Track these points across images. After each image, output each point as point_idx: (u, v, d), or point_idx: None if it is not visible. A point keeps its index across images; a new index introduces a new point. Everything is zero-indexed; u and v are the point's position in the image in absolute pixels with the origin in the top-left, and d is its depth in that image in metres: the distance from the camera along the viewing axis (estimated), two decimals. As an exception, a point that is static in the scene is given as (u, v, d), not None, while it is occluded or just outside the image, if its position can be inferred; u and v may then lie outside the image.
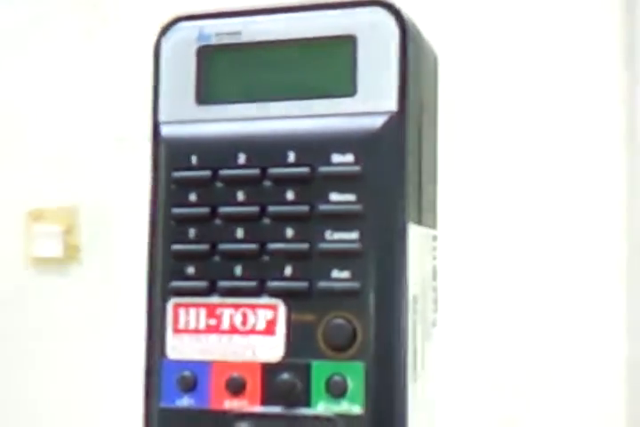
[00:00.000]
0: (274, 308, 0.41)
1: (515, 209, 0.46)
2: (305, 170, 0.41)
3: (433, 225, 0.45)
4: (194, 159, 0.42)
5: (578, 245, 0.45)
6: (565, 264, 0.45)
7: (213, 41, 0.44)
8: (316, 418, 0.40)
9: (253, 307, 0.41)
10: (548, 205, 0.46)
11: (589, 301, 0.45)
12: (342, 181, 0.40)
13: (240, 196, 0.42)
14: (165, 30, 0.45)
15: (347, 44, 0.41)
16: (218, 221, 0.42)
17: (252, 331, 0.41)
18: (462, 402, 0.46)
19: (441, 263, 0.46)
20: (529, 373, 0.45)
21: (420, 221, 0.42)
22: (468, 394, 0.46)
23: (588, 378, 0.45)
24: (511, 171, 0.46)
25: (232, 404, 0.41)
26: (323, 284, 0.40)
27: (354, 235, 0.40)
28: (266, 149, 0.42)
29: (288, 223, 0.41)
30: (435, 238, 0.46)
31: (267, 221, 0.41)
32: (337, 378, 0.40)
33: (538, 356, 0.45)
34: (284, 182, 0.41)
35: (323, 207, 0.40)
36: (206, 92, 0.43)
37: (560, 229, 0.46)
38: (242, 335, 0.41)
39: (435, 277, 0.45)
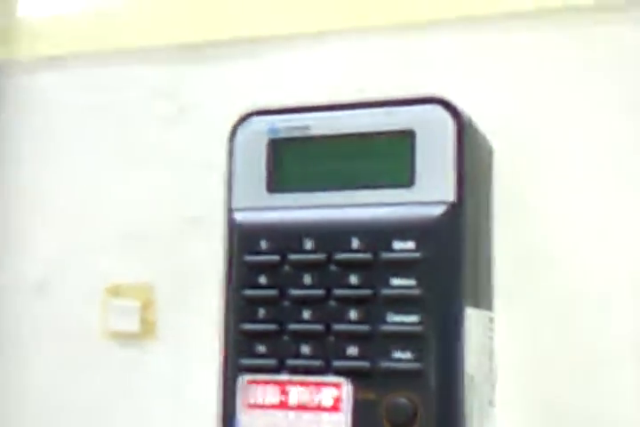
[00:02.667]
0: (339, 386, 0.43)
1: (569, 290, 0.48)
2: (368, 255, 0.44)
3: (489, 307, 0.47)
4: (264, 244, 0.45)
5: (629, 327, 0.47)
6: (618, 347, 0.47)
7: (283, 134, 0.47)
8: None
9: (319, 385, 0.44)
10: (602, 286, 0.48)
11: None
12: (403, 267, 0.43)
13: (307, 279, 0.44)
14: (239, 123, 0.48)
15: (406, 138, 0.44)
16: (286, 303, 0.45)
17: (319, 407, 0.43)
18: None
19: (498, 344, 0.48)
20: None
21: (476, 305, 0.45)
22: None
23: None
24: (564, 256, 0.48)
25: (299, 477, 0.43)
26: (384, 364, 0.42)
27: (414, 318, 0.42)
28: (331, 236, 0.44)
29: (352, 306, 0.43)
30: (491, 320, 0.48)
31: (332, 303, 0.44)
32: (399, 454, 0.42)
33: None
34: (348, 267, 0.44)
35: (384, 291, 0.43)
36: (276, 182, 0.47)
37: (615, 309, 0.47)
38: (309, 412, 0.44)
39: (491, 358, 0.47)
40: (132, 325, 0.56)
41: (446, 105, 0.44)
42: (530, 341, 0.49)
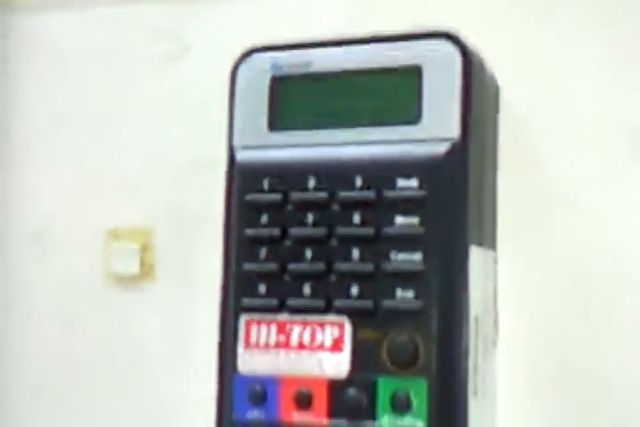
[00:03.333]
0: (340, 325, 0.43)
1: (577, 232, 0.47)
2: (371, 194, 0.43)
3: (493, 247, 0.47)
4: (265, 183, 0.45)
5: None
6: (625, 291, 0.46)
7: (285, 71, 0.46)
8: (380, 432, 0.41)
9: (321, 324, 0.43)
10: (609, 230, 0.47)
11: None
12: (407, 205, 0.42)
13: (309, 218, 0.44)
14: (241, 61, 0.47)
15: (412, 74, 0.43)
16: (288, 242, 0.44)
17: (320, 347, 0.43)
18: (523, 420, 0.47)
19: (501, 285, 0.47)
20: (590, 390, 0.46)
21: (481, 244, 0.44)
22: (528, 413, 0.47)
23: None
24: (572, 195, 0.48)
25: (299, 417, 0.43)
26: (387, 303, 0.42)
27: (417, 256, 0.42)
28: (334, 174, 0.44)
29: (354, 245, 0.43)
30: (495, 260, 0.47)
31: (334, 242, 0.43)
32: (401, 394, 0.41)
33: (599, 373, 0.46)
34: (351, 206, 0.43)
35: (388, 230, 0.42)
36: (278, 120, 0.46)
37: (622, 255, 0.47)
38: (310, 351, 0.43)
39: (495, 298, 0.47)
40: (132, 267, 0.56)
41: (454, 40, 0.43)
42: (533, 284, 0.48)
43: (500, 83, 0.48)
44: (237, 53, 0.47)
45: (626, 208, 0.47)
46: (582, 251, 0.48)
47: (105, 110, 0.58)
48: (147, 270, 0.56)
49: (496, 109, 0.48)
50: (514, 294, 0.48)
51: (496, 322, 0.47)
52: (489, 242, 0.46)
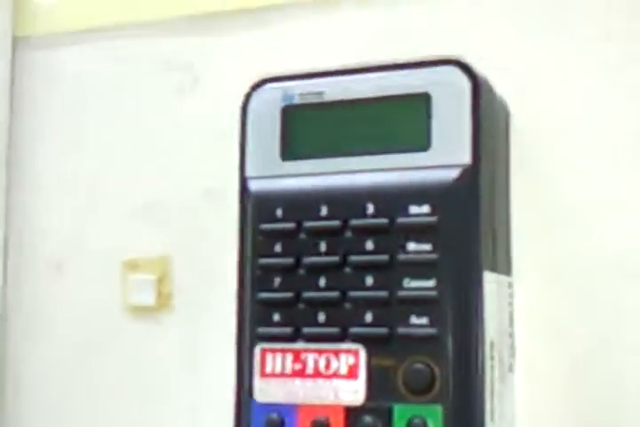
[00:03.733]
0: (355, 353, 0.43)
1: (591, 253, 0.47)
2: (383, 221, 0.43)
3: (508, 272, 0.47)
4: (279, 212, 0.45)
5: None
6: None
7: (297, 101, 0.46)
8: (398, 459, 0.41)
9: (336, 352, 0.43)
10: (623, 250, 0.47)
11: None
12: (419, 232, 0.42)
13: (322, 246, 0.44)
14: (252, 91, 0.48)
15: (421, 101, 0.44)
16: (302, 271, 0.44)
17: (336, 375, 0.43)
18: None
19: (518, 310, 0.47)
20: (609, 411, 0.46)
21: (494, 269, 0.44)
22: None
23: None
24: (584, 219, 0.48)
25: (317, 445, 0.43)
26: (402, 330, 0.42)
27: (431, 283, 0.42)
28: (346, 202, 0.44)
29: (368, 272, 0.43)
30: (510, 285, 0.47)
31: (348, 270, 0.43)
32: (417, 421, 0.41)
33: (618, 394, 0.46)
34: (363, 233, 0.43)
35: (401, 256, 0.42)
36: (290, 149, 0.46)
37: (636, 274, 0.47)
38: (325, 379, 0.43)
39: (511, 323, 0.47)
40: (149, 298, 0.56)
41: (462, 66, 0.44)
42: (550, 306, 0.48)
43: (510, 109, 0.48)
44: (248, 83, 0.48)
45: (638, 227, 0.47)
46: (597, 273, 0.48)
47: (120, 140, 0.59)
48: (163, 301, 0.56)
49: (507, 135, 0.48)
50: (531, 318, 0.48)
51: (512, 347, 0.47)
52: (503, 267, 0.46)
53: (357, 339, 0.43)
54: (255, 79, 0.48)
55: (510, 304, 0.47)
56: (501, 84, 0.47)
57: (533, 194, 0.49)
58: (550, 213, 0.49)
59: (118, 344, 0.57)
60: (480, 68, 0.44)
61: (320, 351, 0.43)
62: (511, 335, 0.47)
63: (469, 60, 0.44)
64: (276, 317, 0.44)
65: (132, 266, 0.57)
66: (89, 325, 0.59)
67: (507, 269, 0.47)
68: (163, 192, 0.57)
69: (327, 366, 0.43)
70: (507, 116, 0.48)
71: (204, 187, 0.56)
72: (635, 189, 0.47)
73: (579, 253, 0.48)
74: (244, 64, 0.55)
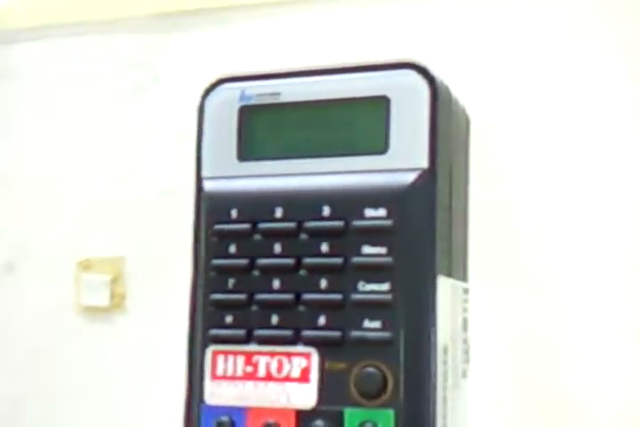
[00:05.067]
0: (308, 356, 0.42)
1: (547, 264, 0.48)
2: (339, 224, 0.43)
3: (463, 278, 0.47)
4: (234, 213, 0.45)
5: (608, 302, 0.46)
6: (595, 321, 0.46)
7: (254, 101, 0.46)
8: (348, 464, 0.41)
9: (288, 355, 0.43)
10: (580, 259, 0.47)
11: (620, 356, 0.46)
12: (374, 235, 0.42)
13: (277, 248, 0.44)
14: (209, 91, 0.47)
15: (380, 104, 0.44)
16: (256, 273, 0.44)
17: (287, 378, 0.43)
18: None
19: (474, 316, 0.47)
20: (561, 420, 0.46)
21: (449, 274, 0.44)
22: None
23: (618, 419, 0.45)
24: (545, 227, 0.48)
25: (267, 449, 0.42)
26: (355, 333, 0.42)
27: (385, 286, 0.42)
28: (302, 204, 0.43)
29: (322, 275, 0.43)
30: (466, 291, 0.47)
31: (302, 272, 0.43)
32: (368, 425, 0.41)
33: (570, 403, 0.46)
34: (318, 235, 0.43)
35: (355, 260, 0.42)
36: (247, 150, 0.46)
37: (592, 283, 0.47)
38: (277, 383, 0.43)
39: (465, 329, 0.47)
40: (102, 299, 0.55)
41: (421, 70, 0.43)
42: (506, 313, 0.48)
43: (470, 113, 0.48)
44: (206, 84, 0.47)
45: (596, 235, 0.47)
46: (555, 280, 0.48)
47: (75, 140, 0.58)
48: (117, 302, 0.55)
49: (466, 139, 0.48)
50: (486, 324, 0.48)
51: (467, 352, 0.47)
52: (459, 272, 0.46)
53: (310, 342, 0.42)
54: (214, 79, 0.47)
55: (465, 310, 0.47)
56: (462, 91, 0.47)
57: (492, 200, 0.49)
58: (509, 220, 0.49)
59: (71, 345, 0.56)
60: (441, 73, 0.44)
61: (272, 354, 0.43)
62: (465, 341, 0.47)
63: (430, 64, 0.44)
64: (229, 318, 0.44)
65: (86, 266, 0.56)
66: (41, 326, 0.58)
67: (462, 275, 0.47)
68: (118, 192, 0.57)
69: (279, 369, 0.43)
70: (466, 121, 0.48)
71: (161, 187, 0.56)
72: (595, 192, 0.47)
73: (536, 259, 0.48)
74: (203, 63, 0.55)
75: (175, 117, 0.55)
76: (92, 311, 0.56)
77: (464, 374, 0.46)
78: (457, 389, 0.44)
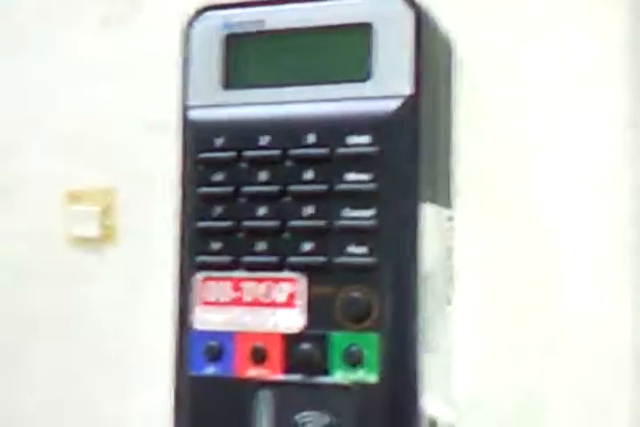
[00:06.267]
0: (294, 281, 0.43)
1: (531, 193, 0.48)
2: (323, 151, 0.43)
3: (448, 205, 0.47)
4: (219, 141, 0.45)
5: (588, 230, 0.47)
6: (576, 249, 0.47)
7: (238, 29, 0.46)
8: (334, 386, 0.42)
9: (275, 280, 0.43)
10: (563, 189, 0.48)
11: (599, 282, 0.47)
12: (359, 162, 0.42)
13: (262, 176, 0.44)
14: (193, 19, 0.47)
15: (363, 31, 0.43)
16: (242, 200, 0.44)
17: (274, 303, 0.43)
18: (479, 374, 0.48)
19: (459, 244, 0.48)
20: (544, 345, 0.47)
21: (434, 201, 0.44)
22: (485, 367, 0.48)
23: (598, 348, 0.46)
24: (530, 156, 0.48)
25: (255, 372, 0.43)
26: (340, 259, 0.42)
27: (369, 212, 0.42)
28: (287, 132, 0.44)
29: (307, 202, 0.43)
30: (450, 219, 0.47)
31: (287, 199, 0.43)
32: (353, 348, 0.42)
33: (552, 327, 0.47)
34: (303, 163, 0.43)
35: (340, 186, 0.43)
36: (232, 78, 0.46)
37: (574, 212, 0.47)
38: (264, 307, 0.43)
39: (450, 257, 0.47)
40: (92, 230, 0.56)
41: (405, -3, 0.43)
42: (490, 242, 0.49)
43: (455, 41, 0.48)
44: (190, 12, 0.47)
45: (581, 165, 0.48)
46: (539, 209, 0.48)
47: (62, 71, 0.58)
48: (107, 233, 0.56)
49: (450, 67, 0.48)
50: (472, 252, 0.48)
51: (451, 279, 0.47)
52: (443, 199, 0.46)
53: (296, 268, 0.43)
54: (198, 7, 0.47)
55: (450, 238, 0.47)
56: (447, 20, 0.47)
57: (477, 128, 0.49)
58: (493, 148, 0.49)
59: (60, 275, 0.57)
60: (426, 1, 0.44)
61: (259, 280, 0.44)
62: (450, 268, 0.47)
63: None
64: (216, 245, 0.44)
65: (76, 197, 0.57)
66: (32, 255, 0.58)
67: (447, 203, 0.47)
68: (107, 124, 0.57)
69: (266, 294, 0.43)
70: (450, 49, 0.48)
71: (150, 119, 0.56)
72: (580, 124, 0.48)
73: (521, 188, 0.49)
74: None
75: (161, 48, 0.55)
76: (82, 242, 0.57)
77: (449, 301, 0.47)
78: (441, 315, 0.45)
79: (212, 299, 0.44)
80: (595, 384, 0.47)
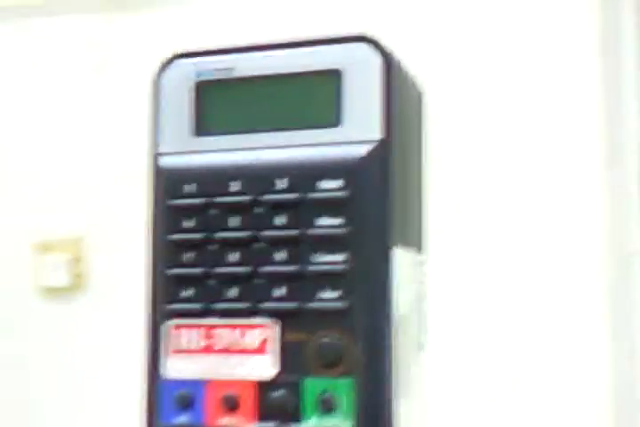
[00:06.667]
0: (266, 327, 0.43)
1: (503, 235, 0.48)
2: (294, 196, 0.43)
3: (420, 249, 0.47)
4: (190, 188, 0.45)
5: (564, 269, 0.47)
6: (551, 287, 0.47)
7: (208, 76, 0.46)
8: (308, 433, 0.41)
9: (247, 327, 0.43)
10: (536, 231, 0.48)
11: (575, 331, 0.47)
12: (330, 206, 0.42)
13: (233, 222, 0.44)
14: (164, 67, 0.47)
15: (333, 77, 0.44)
16: (213, 246, 0.44)
17: (246, 350, 0.43)
18: (455, 419, 0.47)
19: (435, 289, 0.48)
20: (518, 390, 0.47)
21: (405, 245, 0.44)
22: (461, 412, 0.47)
23: (576, 393, 0.46)
24: (500, 195, 0.48)
25: (227, 421, 0.43)
26: (312, 304, 0.42)
27: (341, 257, 0.42)
28: (257, 177, 0.44)
29: (279, 247, 0.43)
30: (422, 263, 0.47)
31: (259, 245, 0.43)
32: (327, 394, 0.41)
33: (528, 373, 0.47)
34: (274, 208, 0.43)
35: (311, 231, 0.43)
36: (202, 125, 0.46)
37: (546, 254, 0.48)
38: (236, 355, 0.43)
39: (422, 300, 0.47)
40: (62, 279, 0.55)
41: (373, 43, 0.44)
42: (463, 285, 0.49)
43: (423, 86, 0.49)
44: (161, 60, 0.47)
45: (552, 206, 0.48)
46: (510, 252, 0.48)
47: (31, 121, 0.58)
48: (77, 282, 0.55)
49: (419, 112, 0.49)
50: (444, 296, 0.48)
51: (424, 323, 0.47)
52: (415, 243, 0.46)
53: (268, 313, 0.43)
54: (169, 55, 0.47)
55: (422, 282, 0.47)
56: (414, 65, 0.47)
57: (448, 172, 0.49)
58: (464, 194, 0.49)
59: (31, 326, 0.56)
60: (393, 47, 0.45)
61: (231, 327, 0.43)
62: (422, 312, 0.47)
63: (381, 38, 0.44)
64: (187, 293, 0.44)
65: (46, 247, 0.56)
66: (3, 307, 0.57)
67: (419, 246, 0.47)
68: (77, 173, 0.57)
69: (238, 341, 0.43)
70: (419, 94, 0.49)
71: (119, 167, 0.55)
72: (550, 169, 0.48)
73: (492, 231, 0.49)
74: (158, 42, 0.55)
75: (132, 97, 0.55)
76: (52, 292, 0.56)
77: (421, 345, 0.47)
78: (415, 360, 0.45)
79: (183, 347, 0.44)
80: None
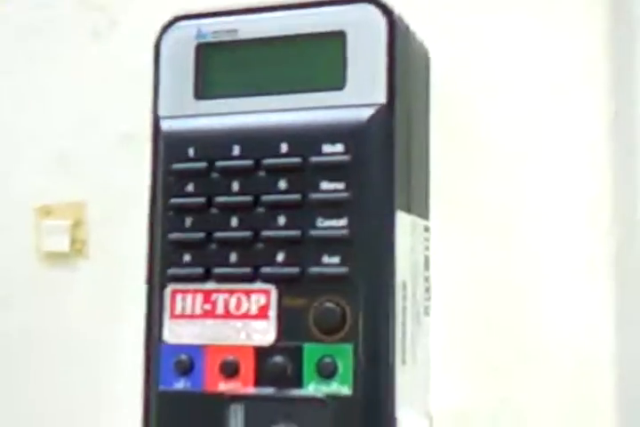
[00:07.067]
0: (267, 293, 0.42)
1: (509, 202, 0.47)
2: (296, 160, 0.42)
3: (424, 215, 0.46)
4: (191, 152, 0.44)
5: (567, 240, 0.47)
6: (556, 253, 0.47)
7: (211, 39, 0.45)
8: (307, 399, 0.41)
9: (247, 292, 0.43)
10: (540, 199, 0.47)
11: (578, 292, 0.46)
12: (332, 171, 0.42)
13: (235, 186, 0.43)
14: (165, 29, 0.46)
15: (336, 39, 0.43)
16: (214, 211, 0.44)
17: (246, 315, 0.42)
18: (457, 385, 0.47)
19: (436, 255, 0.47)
20: (521, 355, 0.46)
21: (409, 210, 0.44)
22: (463, 377, 0.47)
23: (577, 359, 0.46)
24: (505, 163, 0.47)
25: (226, 386, 0.42)
26: (313, 269, 0.41)
27: (343, 222, 0.41)
28: (259, 141, 0.43)
29: (280, 212, 0.42)
30: (426, 229, 0.47)
31: (260, 209, 0.43)
32: (327, 360, 0.41)
33: (530, 338, 0.46)
34: (276, 172, 0.43)
35: (313, 196, 0.42)
36: (204, 88, 0.45)
37: (552, 222, 0.47)
38: (236, 320, 0.43)
39: (427, 267, 0.46)
40: (63, 244, 0.55)
41: (378, 4, 0.43)
42: (468, 251, 0.48)
43: (430, 50, 0.48)
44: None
45: (560, 174, 0.47)
46: (516, 219, 0.48)
47: (32, 83, 0.57)
48: (78, 247, 0.55)
49: (425, 75, 0.48)
50: (448, 263, 0.48)
51: (428, 290, 0.47)
52: (419, 209, 0.46)
53: (269, 279, 0.42)
54: (170, 17, 0.47)
55: (427, 248, 0.47)
56: (421, 27, 0.46)
57: (454, 137, 0.48)
58: (471, 158, 0.49)
59: (31, 292, 0.56)
60: (402, 12, 0.44)
61: (231, 292, 0.43)
62: (427, 279, 0.47)
63: (390, 1, 0.43)
64: (187, 257, 0.43)
65: (46, 212, 0.56)
66: (3, 272, 0.57)
67: (423, 213, 0.47)
68: (78, 137, 0.56)
69: (238, 306, 0.43)
70: (425, 57, 0.48)
71: (121, 132, 0.55)
72: (559, 133, 0.47)
73: (498, 198, 0.48)
74: (160, 4, 0.54)
75: (134, 60, 0.54)
76: (52, 257, 0.56)
77: (426, 312, 0.46)
78: (418, 326, 0.44)
79: (183, 311, 0.43)
80: (574, 396, 0.46)
